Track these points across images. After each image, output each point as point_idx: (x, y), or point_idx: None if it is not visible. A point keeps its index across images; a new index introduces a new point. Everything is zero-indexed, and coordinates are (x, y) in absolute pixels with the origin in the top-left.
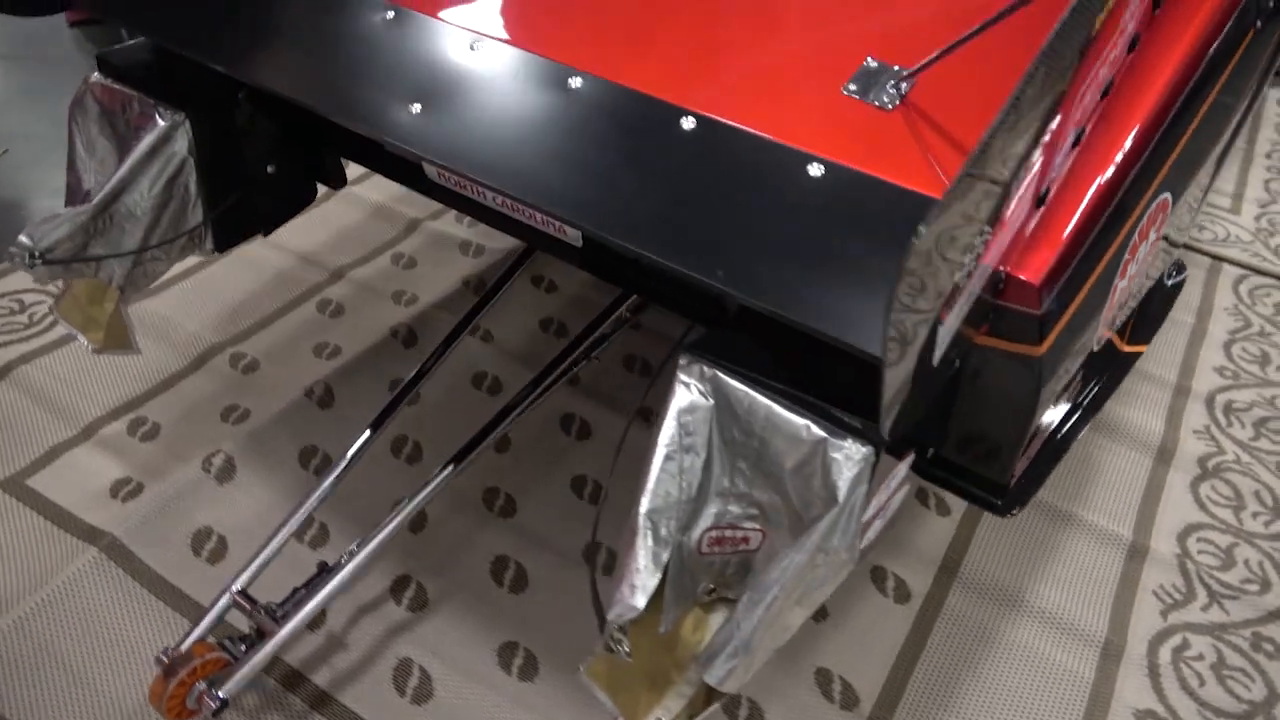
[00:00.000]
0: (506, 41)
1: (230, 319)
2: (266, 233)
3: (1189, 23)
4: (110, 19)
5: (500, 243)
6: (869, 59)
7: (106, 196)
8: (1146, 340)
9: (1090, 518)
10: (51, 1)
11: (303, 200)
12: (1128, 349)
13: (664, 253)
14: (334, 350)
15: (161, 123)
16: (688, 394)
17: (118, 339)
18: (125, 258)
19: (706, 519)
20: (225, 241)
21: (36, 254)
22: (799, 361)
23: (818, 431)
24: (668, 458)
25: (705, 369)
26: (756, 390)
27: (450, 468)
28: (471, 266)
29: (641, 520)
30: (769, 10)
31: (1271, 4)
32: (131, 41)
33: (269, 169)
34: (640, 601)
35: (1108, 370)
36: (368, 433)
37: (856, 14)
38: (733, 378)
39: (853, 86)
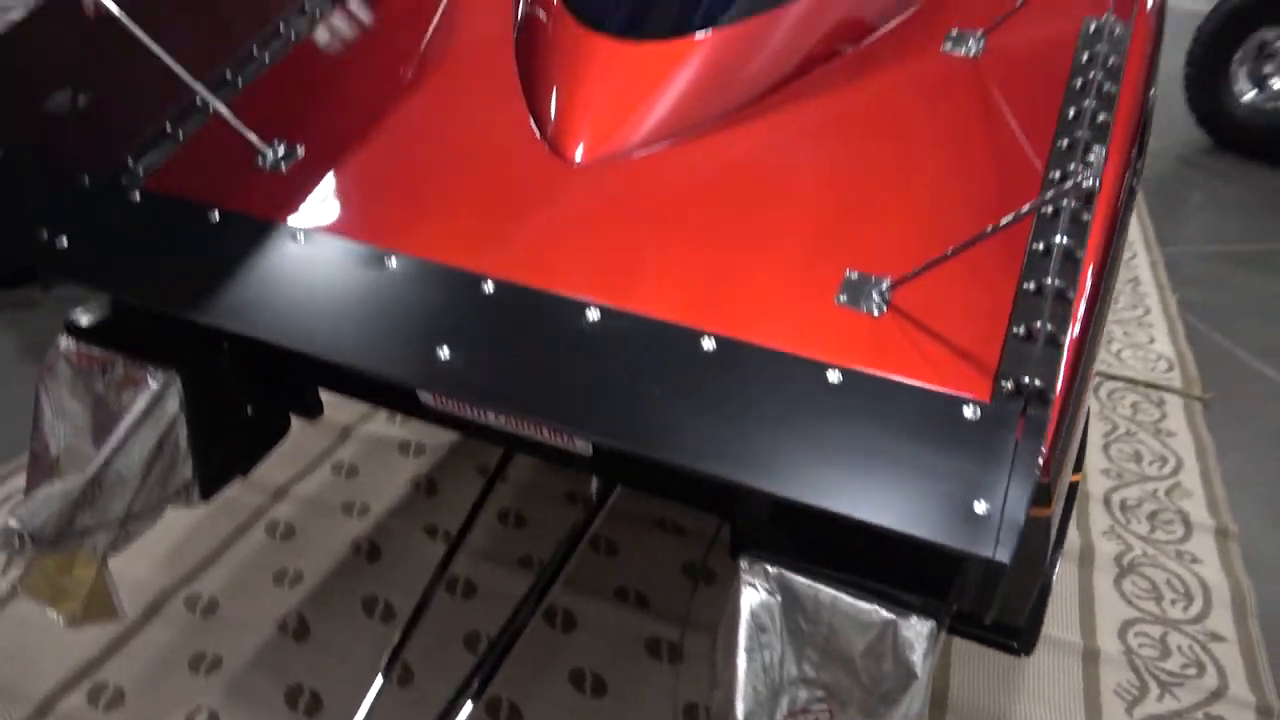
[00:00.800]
0: (520, 282)
1: (175, 557)
2: (245, 473)
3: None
4: (88, 288)
5: (438, 439)
6: (849, 271)
7: (99, 467)
8: (1082, 466)
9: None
10: (21, 273)
11: (279, 433)
12: (1075, 478)
13: (714, 466)
14: (295, 576)
15: (154, 384)
16: (756, 594)
17: (99, 607)
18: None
19: (781, 709)
20: (210, 490)
21: (27, 537)
22: (851, 547)
23: (886, 614)
24: (750, 658)
25: (769, 568)
26: (821, 582)
27: (469, 705)
28: (415, 467)
29: None
30: (746, 230)
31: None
32: (95, 302)
33: (248, 410)
34: None
35: (1067, 502)
36: (380, 681)
37: (822, 227)
38: (797, 574)
39: (843, 298)
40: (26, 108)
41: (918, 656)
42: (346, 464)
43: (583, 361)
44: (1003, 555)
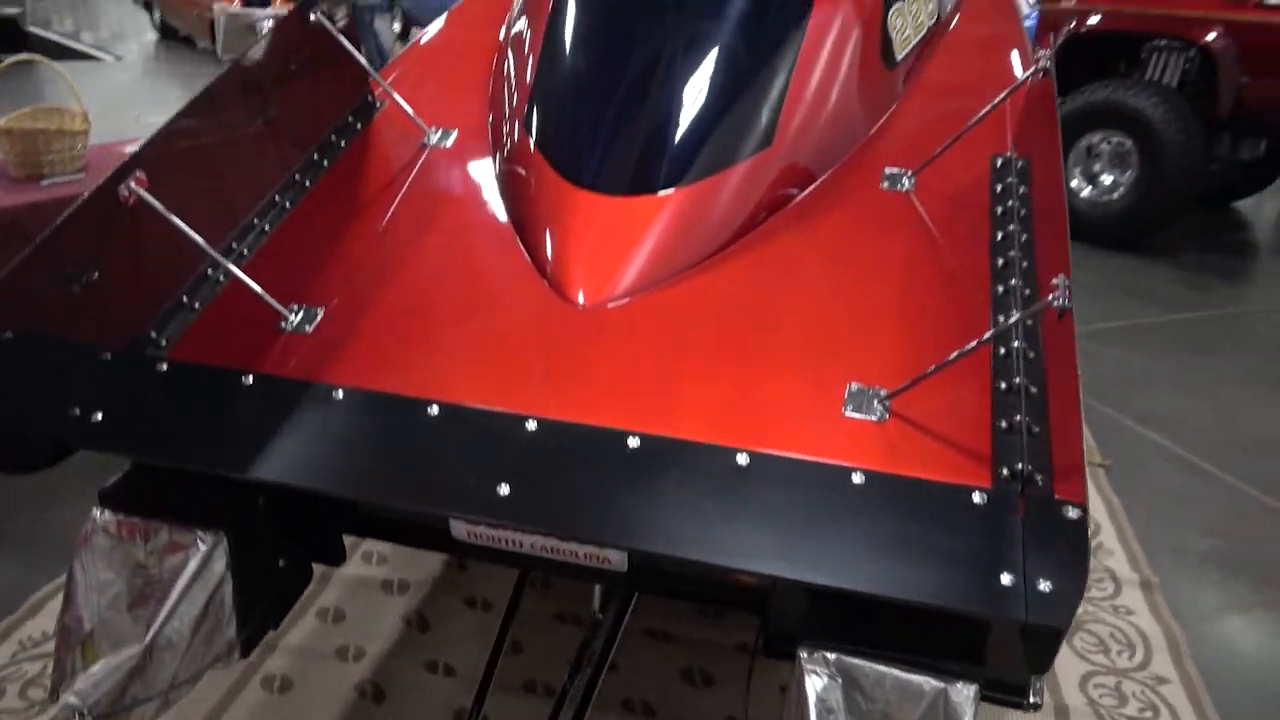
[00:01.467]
0: (561, 419)
1: None
2: (277, 626)
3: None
4: (131, 457)
5: (421, 574)
6: (850, 384)
7: (153, 637)
8: None
9: None
10: (48, 456)
11: (305, 582)
12: None
13: (768, 566)
14: None
15: (202, 546)
16: (819, 680)
17: None
18: (182, 686)
19: None
20: (250, 647)
21: (85, 714)
22: (894, 627)
23: (936, 684)
24: None
25: (829, 655)
26: (875, 662)
27: None
28: (403, 604)
29: None
30: (750, 355)
31: None
32: (125, 472)
33: (280, 563)
34: None
35: None
36: None
37: (816, 347)
38: (854, 657)
39: (850, 408)
40: (40, 290)
41: (967, 718)
42: (332, 609)
43: (629, 484)
44: (1048, 619)
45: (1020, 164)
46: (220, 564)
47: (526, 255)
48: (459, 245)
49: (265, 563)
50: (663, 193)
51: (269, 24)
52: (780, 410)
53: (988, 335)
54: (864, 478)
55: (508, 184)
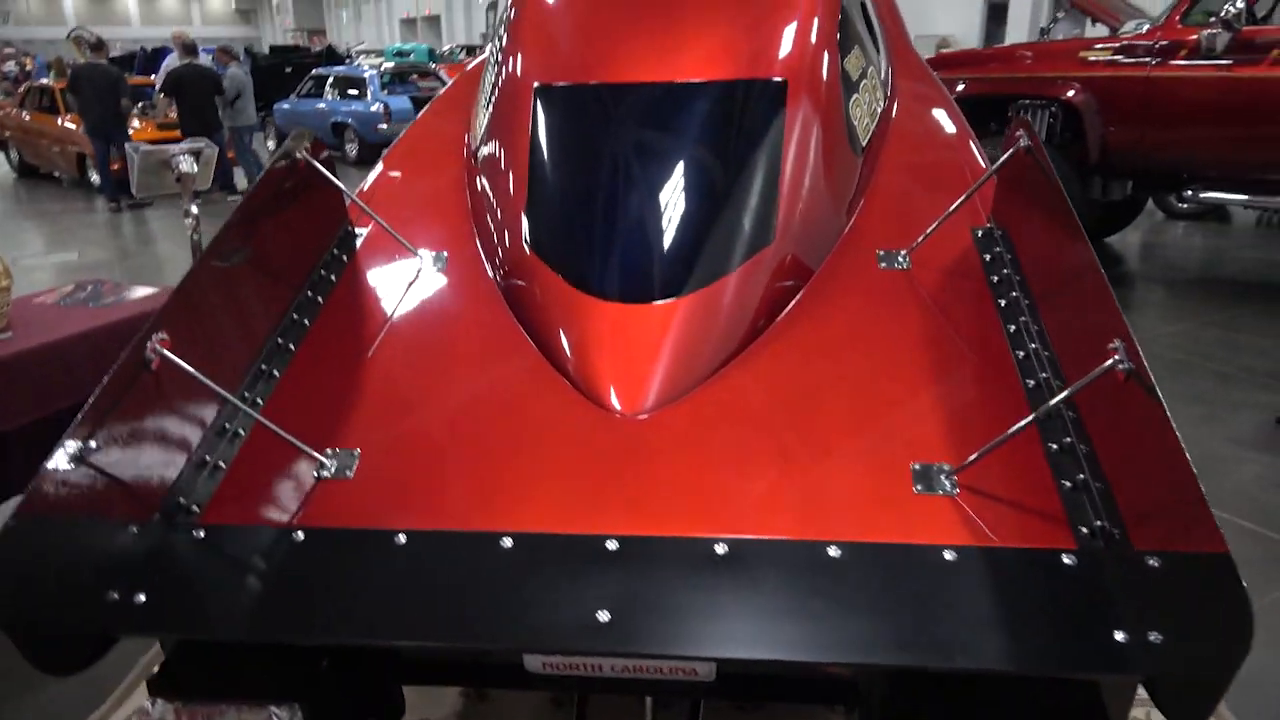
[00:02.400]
0: (641, 534)
1: None
2: None
3: None
4: (187, 636)
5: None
6: (913, 464)
7: None
8: None
9: None
10: (90, 652)
11: None
12: None
13: (882, 657)
14: None
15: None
16: None
17: None
18: None
19: None
20: None
21: None
22: (1003, 704)
23: None
24: None
25: None
26: None
27: None
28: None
29: None
30: (806, 446)
31: None
32: (171, 650)
33: None
34: None
35: None
36: None
37: (869, 431)
38: None
39: (919, 487)
40: (70, 475)
41: None
42: None
43: (726, 591)
44: (1171, 668)
45: (999, 233)
46: None
47: (553, 370)
48: (481, 367)
49: None
50: (683, 296)
51: (184, 160)
52: (854, 498)
53: (1055, 400)
54: (955, 554)
55: (519, 303)
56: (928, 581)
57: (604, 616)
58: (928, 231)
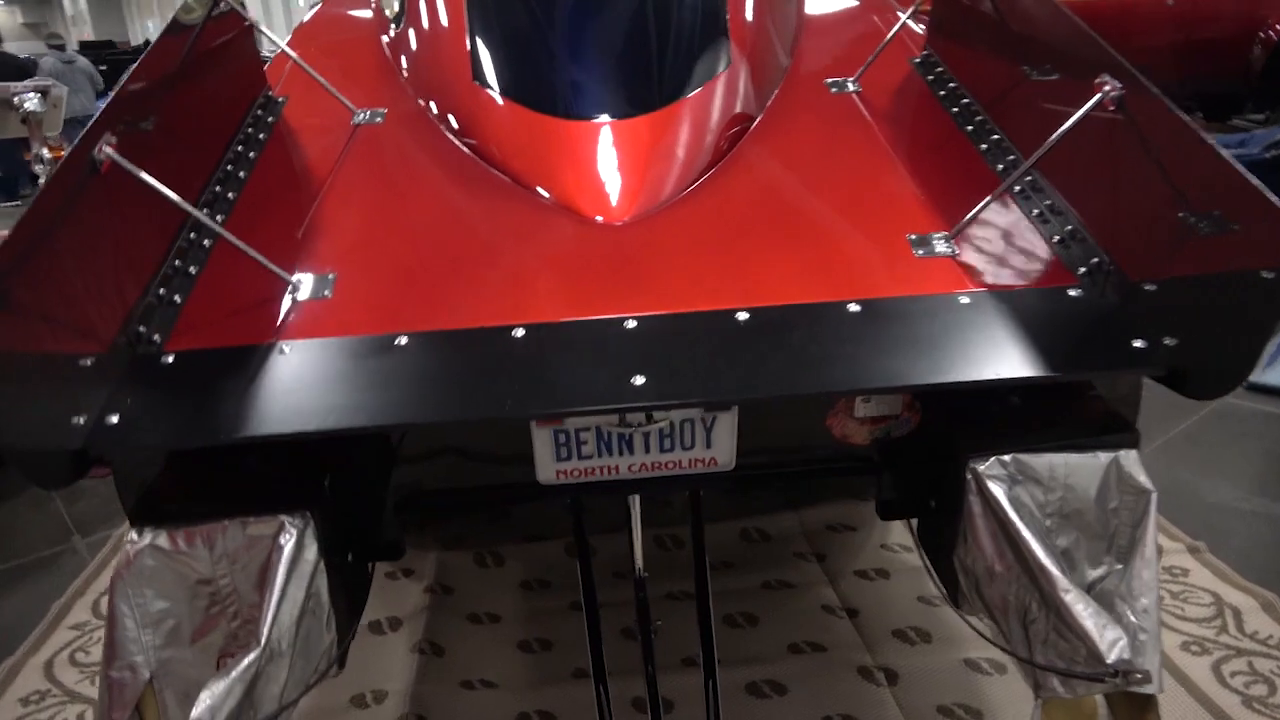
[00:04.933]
0: (662, 312)
1: None
2: (353, 635)
3: None
4: (173, 446)
5: (406, 608)
6: (908, 235)
7: (261, 649)
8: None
9: None
10: (71, 471)
11: (369, 584)
12: None
13: (915, 379)
14: None
15: (293, 531)
16: (1002, 485)
17: None
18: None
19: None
20: (344, 658)
21: None
22: (1045, 420)
23: (1105, 455)
24: (1041, 540)
25: (1004, 458)
26: (1047, 452)
27: None
28: (405, 638)
29: (1072, 591)
30: (810, 229)
31: None
32: (150, 482)
33: (349, 557)
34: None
35: None
36: None
37: (862, 213)
38: (1025, 454)
39: (920, 252)
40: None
41: (1144, 478)
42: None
43: (758, 350)
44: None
45: (935, 59)
46: (313, 550)
47: (526, 191)
48: (449, 194)
49: (343, 553)
50: (651, 112)
51: (30, 98)
52: (862, 266)
53: (1029, 163)
54: (969, 298)
55: (480, 142)
56: (950, 321)
57: (639, 380)
58: (869, 59)
